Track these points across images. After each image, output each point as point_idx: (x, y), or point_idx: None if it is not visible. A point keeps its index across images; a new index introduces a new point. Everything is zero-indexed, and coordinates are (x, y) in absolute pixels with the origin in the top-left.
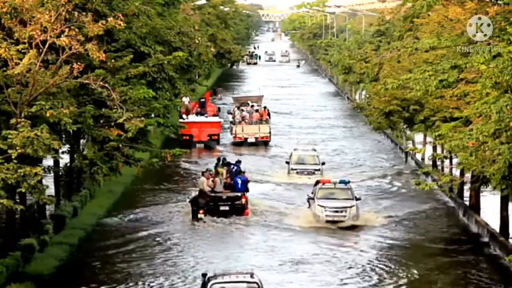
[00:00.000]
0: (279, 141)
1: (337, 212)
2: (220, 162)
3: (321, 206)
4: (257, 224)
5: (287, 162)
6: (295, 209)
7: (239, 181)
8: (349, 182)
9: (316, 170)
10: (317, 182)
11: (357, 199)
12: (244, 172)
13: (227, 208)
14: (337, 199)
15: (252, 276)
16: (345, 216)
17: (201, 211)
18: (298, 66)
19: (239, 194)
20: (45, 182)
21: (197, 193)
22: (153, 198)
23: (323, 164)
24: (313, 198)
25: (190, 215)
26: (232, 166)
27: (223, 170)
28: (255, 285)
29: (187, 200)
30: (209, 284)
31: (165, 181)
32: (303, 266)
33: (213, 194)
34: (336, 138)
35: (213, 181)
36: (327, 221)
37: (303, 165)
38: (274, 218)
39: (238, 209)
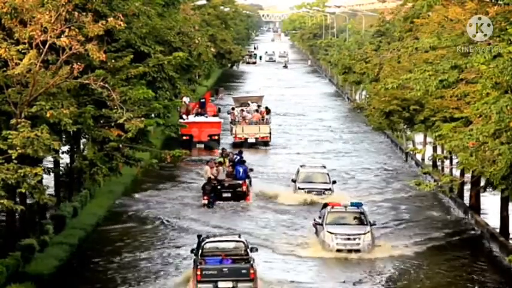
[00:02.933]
0: (279, 144)
1: (349, 239)
2: (224, 153)
3: (331, 233)
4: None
5: (293, 181)
6: (303, 236)
7: (240, 170)
8: (361, 204)
9: (326, 189)
10: (325, 205)
11: (372, 224)
12: (245, 161)
13: (229, 195)
14: (349, 225)
15: (239, 237)
16: (359, 244)
17: (205, 197)
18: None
19: (240, 182)
20: (45, 182)
21: (206, 180)
22: (153, 197)
23: (334, 182)
24: (321, 224)
25: (192, 209)
26: (235, 156)
27: (226, 160)
28: (241, 244)
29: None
30: (203, 243)
31: (165, 180)
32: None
33: (216, 182)
34: (337, 140)
35: (216, 170)
36: (338, 250)
37: (311, 184)
38: (279, 246)
39: (240, 196)
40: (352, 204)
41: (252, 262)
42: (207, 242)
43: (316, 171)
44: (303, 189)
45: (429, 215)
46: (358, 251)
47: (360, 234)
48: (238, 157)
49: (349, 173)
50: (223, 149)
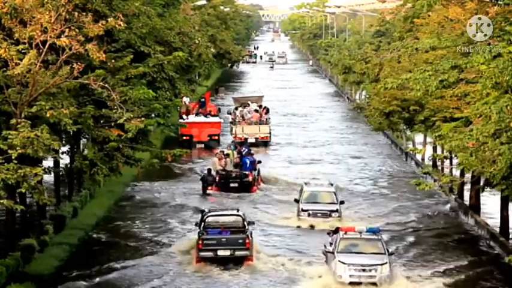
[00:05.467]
0: (279, 144)
1: (364, 270)
2: (232, 145)
3: (343, 263)
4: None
5: (296, 201)
6: (309, 266)
7: (247, 161)
8: (379, 230)
9: (332, 211)
10: (337, 230)
11: (390, 253)
12: (253, 154)
13: (236, 185)
14: (364, 253)
15: (238, 211)
16: (375, 276)
17: (209, 187)
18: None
19: (247, 173)
20: (45, 183)
21: (206, 172)
22: (153, 196)
23: (342, 202)
24: (332, 252)
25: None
26: (243, 148)
27: (234, 152)
28: (239, 217)
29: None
30: (205, 217)
31: (166, 179)
32: None
33: (224, 173)
34: (336, 141)
35: (224, 161)
36: (351, 283)
37: (316, 205)
38: (282, 278)
39: (246, 186)
40: (368, 230)
41: (248, 233)
42: (208, 216)
43: (322, 190)
44: (306, 211)
45: (448, 239)
46: (374, 284)
47: (376, 265)
48: (246, 149)
49: (351, 181)
50: (235, 142)
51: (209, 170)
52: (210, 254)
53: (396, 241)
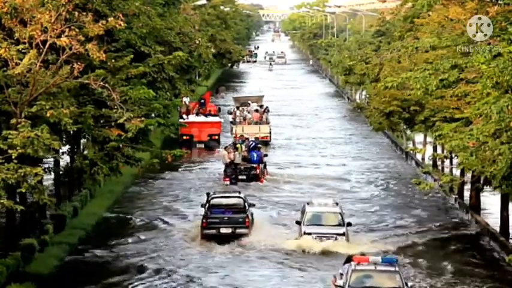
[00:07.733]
0: (279, 144)
1: None
2: (241, 139)
3: None
4: None
5: (298, 223)
6: None
7: (254, 155)
8: (396, 261)
9: (338, 234)
10: (348, 259)
11: None
12: (260, 148)
13: (244, 177)
14: None
15: (239, 193)
16: None
17: (226, 179)
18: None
19: (254, 165)
20: (45, 182)
21: (223, 164)
22: (153, 194)
23: (349, 224)
24: (342, 287)
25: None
26: (250, 142)
27: (242, 146)
28: (241, 199)
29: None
30: (210, 199)
31: (165, 178)
32: None
33: (232, 165)
34: (337, 141)
35: (233, 154)
36: None
37: (320, 227)
38: None
39: (253, 178)
40: (384, 260)
41: (248, 213)
42: (213, 198)
43: (327, 211)
44: (309, 234)
45: (473, 260)
46: None
47: None
48: (254, 144)
49: (352, 183)
50: (241, 135)
51: (231, 163)
52: (213, 231)
53: (412, 266)
